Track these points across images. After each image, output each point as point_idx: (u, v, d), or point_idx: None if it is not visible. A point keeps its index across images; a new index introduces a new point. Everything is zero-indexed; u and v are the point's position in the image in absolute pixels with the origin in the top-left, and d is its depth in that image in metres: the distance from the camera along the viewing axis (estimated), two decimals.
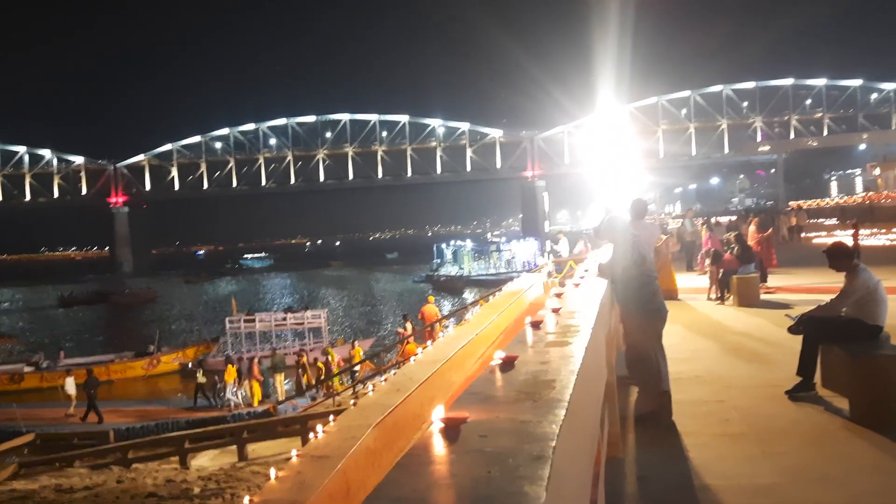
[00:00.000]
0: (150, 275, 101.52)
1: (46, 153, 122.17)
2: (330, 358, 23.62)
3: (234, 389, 21.72)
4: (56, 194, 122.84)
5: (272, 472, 3.39)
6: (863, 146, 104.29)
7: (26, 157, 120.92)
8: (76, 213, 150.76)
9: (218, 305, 53.16)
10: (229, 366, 22.21)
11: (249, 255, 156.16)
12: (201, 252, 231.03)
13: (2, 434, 19.40)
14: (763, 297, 13.54)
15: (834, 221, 43.28)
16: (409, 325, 24.33)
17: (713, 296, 13.92)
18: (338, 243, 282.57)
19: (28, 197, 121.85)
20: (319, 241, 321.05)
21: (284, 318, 31.62)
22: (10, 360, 30.95)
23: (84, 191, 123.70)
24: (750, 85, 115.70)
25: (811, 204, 63.37)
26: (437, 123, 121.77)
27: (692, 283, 16.46)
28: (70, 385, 22.31)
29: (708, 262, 15.40)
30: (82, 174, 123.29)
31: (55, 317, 60.74)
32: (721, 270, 13.71)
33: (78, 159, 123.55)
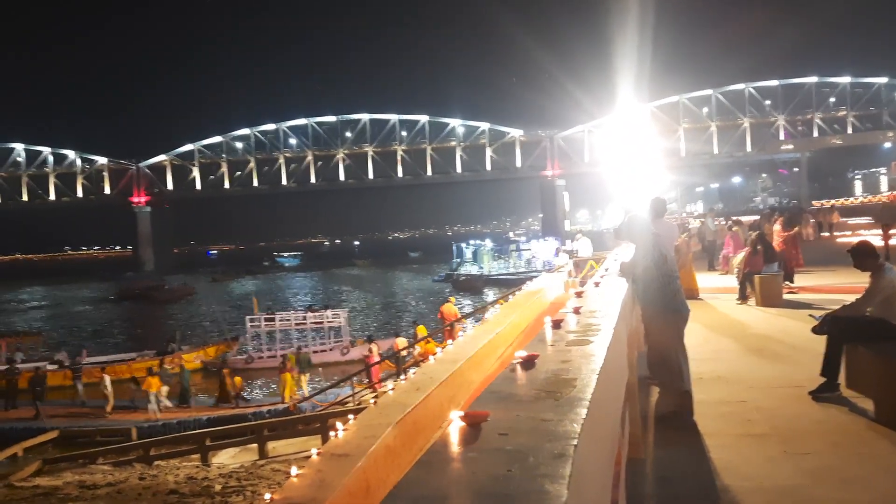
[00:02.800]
0: (180, 273, 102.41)
1: (70, 153, 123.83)
2: (290, 363, 23.13)
3: (156, 397, 21.69)
4: (80, 194, 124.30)
5: (293, 470, 3.41)
6: (888, 144, 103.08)
7: (50, 158, 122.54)
8: (99, 213, 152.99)
9: (244, 303, 53.38)
10: (148, 378, 22.08)
11: (286, 254, 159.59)
12: (214, 252, 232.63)
13: (26, 431, 19.69)
14: (786, 296, 13.41)
15: (866, 220, 42.57)
16: (374, 348, 23.49)
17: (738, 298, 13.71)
18: (357, 242, 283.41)
19: (52, 196, 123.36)
20: (338, 241, 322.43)
21: (305, 318, 31.78)
22: (34, 357, 31.26)
23: (107, 190, 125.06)
24: (773, 83, 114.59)
25: (836, 202, 62.62)
26: (456, 123, 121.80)
27: (714, 283, 16.35)
28: (107, 383, 22.72)
29: (737, 259, 15.24)
30: (105, 174, 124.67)
31: (80, 315, 61.51)
32: (747, 269, 13.56)
33: (101, 159, 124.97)
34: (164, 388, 22.43)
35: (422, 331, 24.45)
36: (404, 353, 21.66)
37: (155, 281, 79.94)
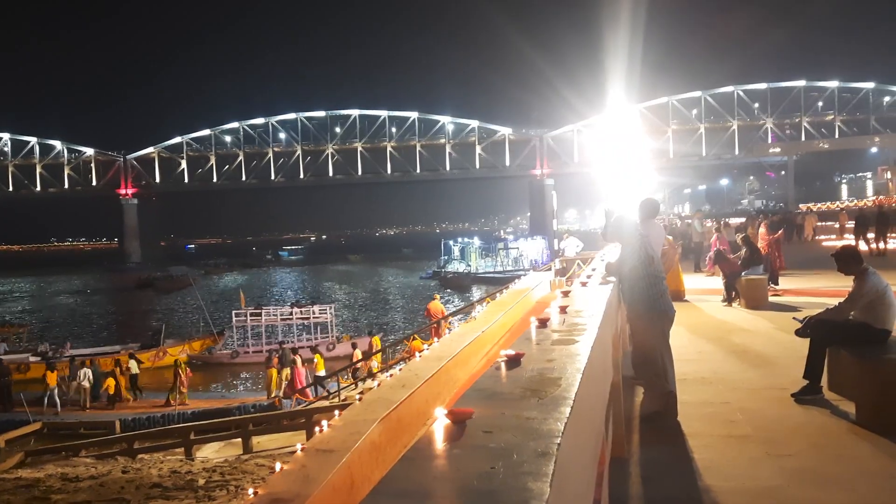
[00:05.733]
0: (181, 264, 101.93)
1: (57, 144, 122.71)
2: (181, 371, 22.63)
3: (55, 391, 21.69)
4: (66, 185, 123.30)
5: (277, 465, 3.41)
6: (874, 149, 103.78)
7: (37, 148, 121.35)
8: (86, 204, 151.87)
9: (234, 296, 53.09)
10: (48, 372, 21.97)
11: (287, 248, 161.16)
12: (191, 246, 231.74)
13: (9, 423, 19.56)
14: (771, 299, 13.50)
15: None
16: (298, 359, 22.32)
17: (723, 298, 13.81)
18: (343, 240, 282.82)
19: (38, 187, 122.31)
20: (325, 237, 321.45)
21: (291, 313, 31.70)
22: (17, 349, 31.06)
23: (94, 182, 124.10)
24: (761, 86, 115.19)
25: (821, 206, 63.06)
26: (446, 120, 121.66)
27: (700, 285, 16.44)
28: (89, 375, 22.64)
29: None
30: (92, 165, 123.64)
31: (66, 307, 61.14)
32: (728, 272, 13.67)
33: (88, 150, 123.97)
34: (74, 384, 22.57)
35: (376, 342, 24.24)
36: (359, 365, 21.31)
37: (162, 271, 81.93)
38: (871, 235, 23.36)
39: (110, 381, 22.58)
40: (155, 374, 28.14)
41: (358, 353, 22.89)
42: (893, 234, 24.94)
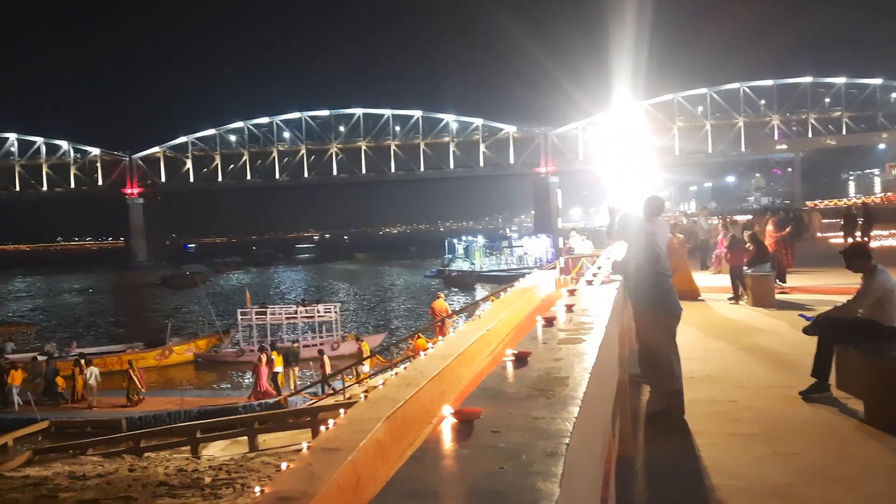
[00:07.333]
0: (195, 262, 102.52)
1: (63, 144, 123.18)
2: (133, 373, 22.50)
3: (15, 389, 21.83)
4: (72, 184, 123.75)
5: (283, 463, 3.41)
6: (882, 146, 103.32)
7: (43, 148, 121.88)
8: (92, 204, 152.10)
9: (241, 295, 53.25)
10: (12, 370, 22.12)
11: (300, 246, 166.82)
12: (192, 245, 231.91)
13: (17, 421, 19.64)
14: (778, 297, 13.44)
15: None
16: (263, 357, 22.65)
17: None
18: (346, 238, 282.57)
19: (45, 187, 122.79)
20: (328, 235, 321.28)
21: (296, 312, 31.71)
22: (24, 348, 31.14)
23: (100, 181, 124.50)
24: (768, 82, 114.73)
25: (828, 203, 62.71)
26: (450, 118, 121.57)
27: (706, 282, 16.39)
28: (97, 374, 22.68)
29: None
30: (98, 165, 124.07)
31: (72, 306, 61.30)
32: (731, 266, 13.65)
33: (94, 150, 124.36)
34: (41, 381, 22.85)
35: (365, 348, 24.21)
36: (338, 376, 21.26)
37: (178, 269, 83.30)
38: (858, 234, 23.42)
39: (60, 381, 22.85)
40: (161, 373, 28.24)
41: (327, 360, 23.01)
42: (879, 233, 24.85)
